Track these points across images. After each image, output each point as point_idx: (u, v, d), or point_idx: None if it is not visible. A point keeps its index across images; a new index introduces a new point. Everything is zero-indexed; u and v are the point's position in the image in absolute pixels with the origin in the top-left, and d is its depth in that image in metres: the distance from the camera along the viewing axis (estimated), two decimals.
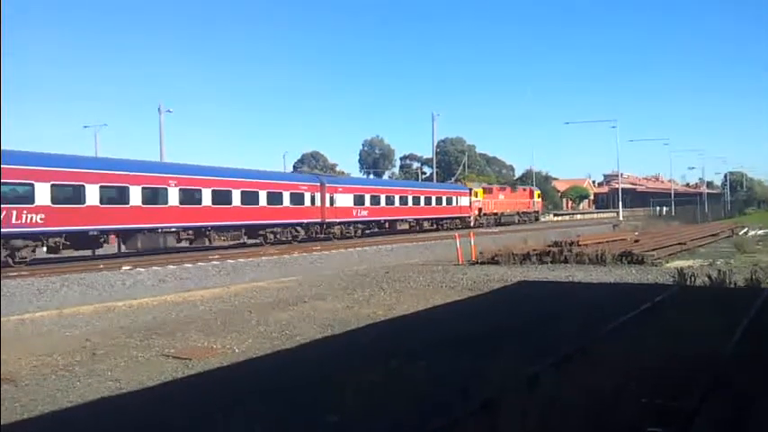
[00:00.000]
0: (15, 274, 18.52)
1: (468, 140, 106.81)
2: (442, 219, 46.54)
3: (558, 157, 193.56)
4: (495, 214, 55.25)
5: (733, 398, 5.61)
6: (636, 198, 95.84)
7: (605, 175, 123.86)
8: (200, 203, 26.96)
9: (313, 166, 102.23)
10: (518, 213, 59.57)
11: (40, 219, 20.92)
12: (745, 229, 38.23)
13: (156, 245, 25.43)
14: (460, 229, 43.67)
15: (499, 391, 5.62)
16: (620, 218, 62.08)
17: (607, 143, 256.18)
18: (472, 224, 49.89)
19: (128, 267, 19.99)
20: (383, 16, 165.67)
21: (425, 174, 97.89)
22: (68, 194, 22.11)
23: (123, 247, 25.26)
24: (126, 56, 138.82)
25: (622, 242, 24.48)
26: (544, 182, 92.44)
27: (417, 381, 6.60)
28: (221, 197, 27.85)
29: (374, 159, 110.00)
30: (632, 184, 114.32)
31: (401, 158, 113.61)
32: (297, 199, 32.42)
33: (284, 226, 31.84)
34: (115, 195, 23.72)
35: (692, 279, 14.00)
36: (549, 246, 22.42)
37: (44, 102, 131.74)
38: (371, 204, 38.96)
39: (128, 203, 23.94)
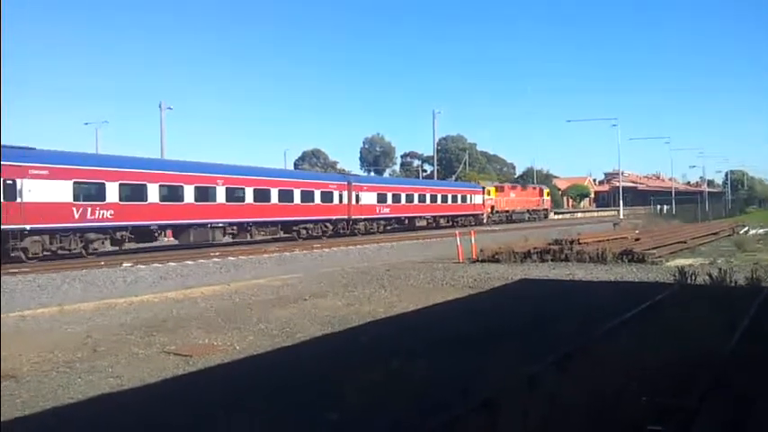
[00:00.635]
0: (17, 270, 18.56)
1: (468, 138, 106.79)
2: (458, 216, 48.96)
3: (559, 156, 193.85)
4: (507, 212, 57.38)
5: (734, 398, 5.61)
6: (637, 196, 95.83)
7: (606, 174, 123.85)
8: (244, 201, 29.56)
9: (314, 163, 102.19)
10: (528, 211, 61.60)
11: (110, 214, 23.53)
12: (746, 228, 38.20)
13: (205, 238, 27.83)
14: (474, 226, 45.39)
15: (499, 389, 5.63)
16: (621, 216, 62.01)
17: (608, 141, 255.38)
18: (485, 221, 52.07)
19: (129, 264, 20.02)
20: (384, 14, 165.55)
21: (426, 171, 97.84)
22: (133, 193, 24.67)
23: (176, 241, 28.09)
24: (126, 53, 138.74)
25: (623, 240, 24.46)
26: (545, 180, 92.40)
27: (417, 379, 6.60)
28: (261, 195, 30.53)
29: (375, 157, 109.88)
30: (633, 182, 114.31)
31: (402, 156, 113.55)
32: (326, 197, 35.09)
33: (315, 222, 34.40)
34: (172, 194, 26.32)
35: (693, 278, 13.97)
36: (550, 244, 22.41)
37: (43, 98, 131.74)
38: (393, 202, 41.58)
39: (182, 201, 26.59)
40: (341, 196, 36.29)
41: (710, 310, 9.19)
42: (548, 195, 69.80)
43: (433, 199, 46.53)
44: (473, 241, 23.07)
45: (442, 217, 47.43)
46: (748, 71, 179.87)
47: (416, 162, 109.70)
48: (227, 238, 29.21)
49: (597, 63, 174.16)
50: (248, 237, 30.46)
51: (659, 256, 20.55)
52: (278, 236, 32.23)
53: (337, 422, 5.60)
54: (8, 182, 20.48)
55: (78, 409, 6.37)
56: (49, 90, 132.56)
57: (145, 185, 25.03)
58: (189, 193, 26.89)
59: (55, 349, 8.88)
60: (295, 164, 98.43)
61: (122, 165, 24.86)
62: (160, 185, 25.70)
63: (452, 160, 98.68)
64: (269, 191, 31.22)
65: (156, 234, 26.48)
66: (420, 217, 45.00)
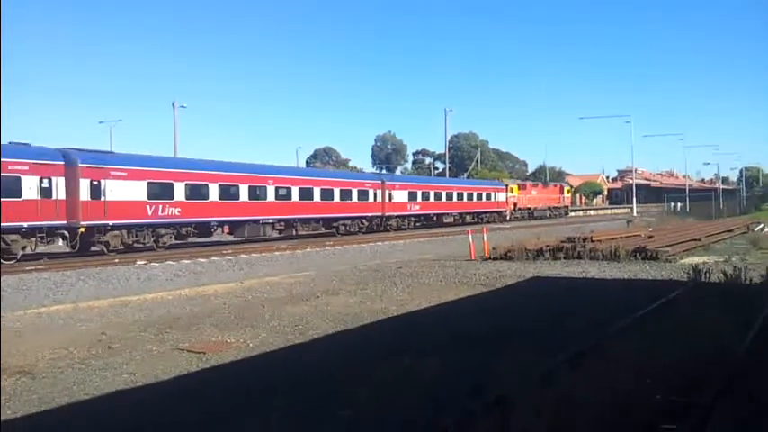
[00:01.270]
0: (32, 267, 18.75)
1: (480, 136, 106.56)
2: (482, 213, 51.28)
3: (572, 153, 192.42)
4: (529, 209, 59.14)
5: (749, 396, 5.57)
6: (650, 194, 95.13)
7: (619, 171, 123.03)
8: (290, 199, 32.17)
9: (326, 161, 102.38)
10: (549, 208, 63.24)
11: (177, 212, 26.19)
12: (761, 226, 37.80)
13: (258, 234, 30.31)
14: (498, 222, 48.73)
15: (512, 388, 5.62)
16: (634, 214, 61.72)
17: (621, 139, 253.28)
18: (508, 218, 54.21)
19: (142, 262, 20.19)
20: (396, 12, 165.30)
21: (438, 169, 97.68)
22: (197, 192, 27.20)
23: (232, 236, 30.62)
24: (139, 53, 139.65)
25: (636, 238, 24.28)
26: (557, 177, 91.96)
27: (429, 377, 6.61)
28: (306, 194, 33.17)
29: (386, 155, 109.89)
30: (647, 179, 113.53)
31: (413, 154, 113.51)
32: (363, 195, 37.79)
33: (353, 219, 36.81)
34: (229, 193, 28.72)
35: (707, 275, 13.88)
36: (563, 242, 22.28)
37: (58, 98, 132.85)
38: (422, 200, 43.85)
39: (238, 199, 29.06)
40: (375, 194, 38.80)
41: (724, 309, 9.12)
42: (568, 193, 71.54)
43: (460, 197, 48.52)
44: (485, 239, 23.01)
45: (467, 214, 49.42)
46: (763, 68, 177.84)
47: (428, 160, 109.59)
48: (275, 234, 31.38)
49: (611, 60, 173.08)
50: (293, 232, 32.50)
51: (673, 254, 20.38)
52: (319, 231, 34.70)
53: (350, 419, 5.61)
54: (94, 182, 23.07)
55: (93, 405, 6.43)
56: (62, 90, 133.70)
57: (207, 185, 27.58)
58: (244, 193, 29.36)
59: (70, 346, 8.97)
60: (307, 162, 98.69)
61: (187, 166, 27.70)
62: (219, 185, 28.09)
63: (464, 158, 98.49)
64: (312, 190, 33.69)
65: (213, 230, 28.72)
66: (447, 214, 47.07)
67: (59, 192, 22.02)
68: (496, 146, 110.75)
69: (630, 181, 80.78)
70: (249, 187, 29.62)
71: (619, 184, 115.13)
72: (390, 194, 40.01)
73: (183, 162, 28.53)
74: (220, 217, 28.25)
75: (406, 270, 18.21)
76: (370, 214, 38.16)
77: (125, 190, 24.13)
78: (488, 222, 47.92)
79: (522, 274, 16.86)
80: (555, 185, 69.91)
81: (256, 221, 30.04)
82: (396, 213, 40.62)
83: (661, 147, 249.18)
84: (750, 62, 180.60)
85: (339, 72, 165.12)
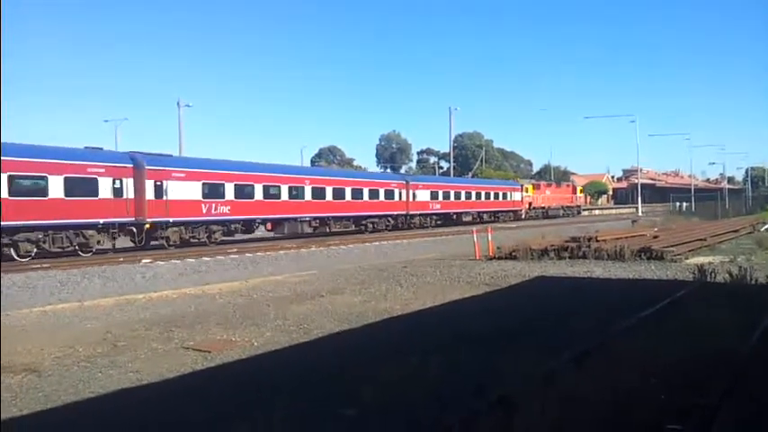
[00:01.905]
0: (38, 266, 18.84)
1: (485, 135, 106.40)
2: (499, 212, 53.46)
3: (577, 152, 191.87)
4: (543, 208, 60.89)
5: (751, 397, 5.55)
6: (655, 193, 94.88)
7: (624, 171, 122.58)
8: (325, 198, 34.41)
9: (330, 160, 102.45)
10: (562, 207, 64.68)
11: (227, 210, 28.46)
12: (767, 226, 37.63)
13: (296, 231, 32.53)
14: (514, 221, 51.26)
15: (515, 387, 5.62)
16: (640, 213, 61.58)
17: (626, 138, 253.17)
18: (523, 216, 56.25)
19: (147, 260, 20.24)
20: (401, 12, 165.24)
21: (443, 168, 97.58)
22: (244, 192, 29.37)
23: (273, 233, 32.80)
24: (144, 51, 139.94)
25: (641, 238, 24.21)
26: (563, 177, 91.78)
27: (434, 376, 6.61)
28: (338, 194, 35.51)
29: (391, 154, 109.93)
30: (652, 179, 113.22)
31: (418, 153, 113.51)
32: (389, 194, 40.17)
33: (379, 217, 39.20)
34: (271, 192, 31.04)
35: (713, 275, 13.83)
36: (568, 241, 22.22)
37: (63, 96, 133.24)
38: (443, 199, 46.03)
39: (279, 198, 31.50)
40: (400, 194, 41.18)
41: (730, 309, 9.09)
42: (581, 192, 73.08)
43: (478, 196, 50.47)
44: (489, 239, 22.97)
45: (485, 212, 51.22)
46: None
47: (432, 159, 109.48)
48: (310, 230, 33.58)
49: (616, 59, 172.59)
50: (327, 229, 34.75)
51: (678, 254, 20.30)
52: (350, 228, 36.92)
53: (355, 417, 5.62)
54: (157, 183, 25.37)
55: (99, 403, 6.45)
56: (67, 88, 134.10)
57: (252, 186, 29.87)
58: (285, 192, 31.75)
59: (76, 344, 8.99)
60: (312, 161, 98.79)
61: (236, 168, 29.94)
62: (263, 185, 30.46)
63: (469, 157, 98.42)
64: (344, 189, 36.08)
65: (256, 226, 30.92)
66: (466, 213, 49.07)
67: (129, 191, 24.29)
68: (501, 145, 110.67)
69: (636, 180, 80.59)
70: (289, 187, 31.95)
71: (624, 184, 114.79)
72: (414, 194, 42.23)
73: (231, 164, 30.65)
74: (264, 215, 30.56)
75: (411, 269, 18.20)
76: (395, 213, 40.56)
77: (183, 190, 26.39)
78: (505, 221, 50.55)
79: (527, 274, 16.83)
80: (568, 185, 71.58)
81: (295, 219, 32.28)
82: (419, 212, 42.87)
83: (666, 146, 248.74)
84: (756, 61, 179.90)
85: (343, 71, 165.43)
